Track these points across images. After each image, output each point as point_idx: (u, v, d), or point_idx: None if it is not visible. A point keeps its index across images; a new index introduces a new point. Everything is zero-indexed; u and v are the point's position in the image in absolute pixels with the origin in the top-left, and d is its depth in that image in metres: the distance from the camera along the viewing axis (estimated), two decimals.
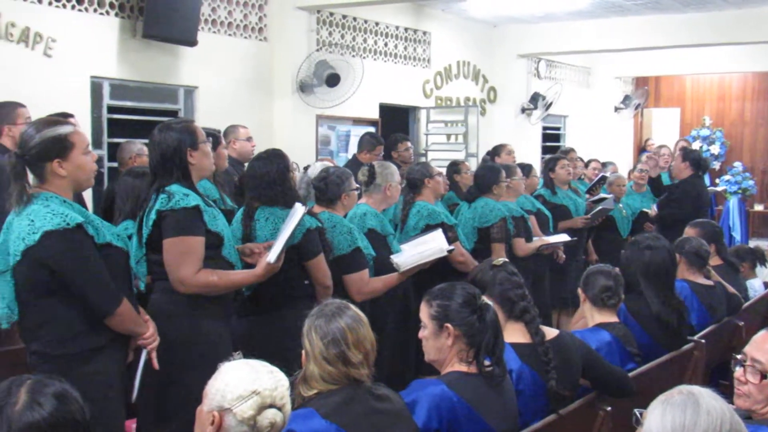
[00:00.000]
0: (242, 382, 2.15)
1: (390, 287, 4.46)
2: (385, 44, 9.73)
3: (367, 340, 2.58)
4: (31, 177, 3.07)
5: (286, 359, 3.60)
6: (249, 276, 3.53)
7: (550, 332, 3.30)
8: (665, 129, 14.90)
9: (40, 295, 3.02)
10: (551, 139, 12.94)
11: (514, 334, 3.22)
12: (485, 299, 2.94)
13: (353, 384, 2.53)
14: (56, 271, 2.97)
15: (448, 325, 2.85)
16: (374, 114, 9.58)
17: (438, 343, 2.88)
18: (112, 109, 6.94)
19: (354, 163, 7.10)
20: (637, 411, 2.05)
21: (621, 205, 7.62)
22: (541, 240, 6.06)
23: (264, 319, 3.86)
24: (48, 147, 3.02)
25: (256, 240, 3.90)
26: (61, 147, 3.04)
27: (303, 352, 2.60)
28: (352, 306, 2.65)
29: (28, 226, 2.94)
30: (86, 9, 6.60)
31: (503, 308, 3.26)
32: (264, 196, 3.98)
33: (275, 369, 2.23)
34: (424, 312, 2.92)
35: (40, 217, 2.94)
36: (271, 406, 2.14)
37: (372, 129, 9.42)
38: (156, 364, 3.26)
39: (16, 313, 3.05)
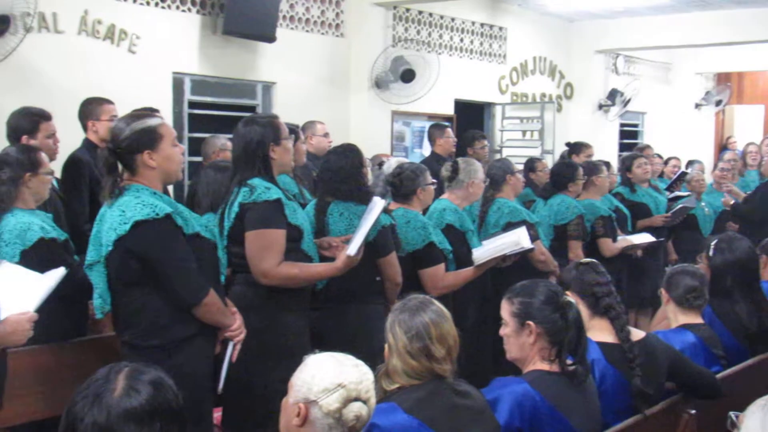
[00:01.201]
0: (328, 375, 2.16)
1: (466, 281, 4.43)
2: (461, 40, 9.68)
3: (451, 336, 2.56)
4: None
5: (354, 352, 3.64)
6: (329, 269, 3.55)
7: (637, 334, 3.23)
8: (748, 127, 14.44)
9: (131, 285, 3.08)
10: (629, 136, 12.69)
11: (601, 332, 3.16)
12: (568, 297, 2.90)
13: (436, 379, 2.52)
14: (146, 261, 3.03)
15: (530, 322, 2.81)
16: (449, 110, 9.54)
17: (519, 340, 2.85)
18: (192, 105, 7.07)
19: (433, 158, 7.10)
20: (732, 414, 1.99)
21: (703, 203, 7.42)
22: (625, 240, 5.94)
23: (333, 314, 3.89)
24: (138, 139, 3.08)
25: (329, 235, 3.93)
26: (150, 138, 3.09)
27: (386, 346, 2.60)
28: (436, 301, 2.64)
29: (120, 217, 3.00)
30: (169, 6, 6.73)
31: (587, 304, 3.21)
32: (338, 191, 4.00)
33: (360, 362, 2.23)
34: (506, 309, 2.89)
35: (131, 207, 3.00)
36: (357, 399, 2.14)
37: (449, 125, 9.39)
38: (235, 357, 3.31)
39: (109, 304, 3.13)
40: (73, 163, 4.76)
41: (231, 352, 3.29)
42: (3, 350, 2.78)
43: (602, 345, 3.11)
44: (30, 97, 5.14)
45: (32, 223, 3.46)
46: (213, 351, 3.28)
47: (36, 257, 3.33)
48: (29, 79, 5.70)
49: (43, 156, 3.70)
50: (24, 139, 4.34)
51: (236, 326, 3.27)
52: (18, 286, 2.91)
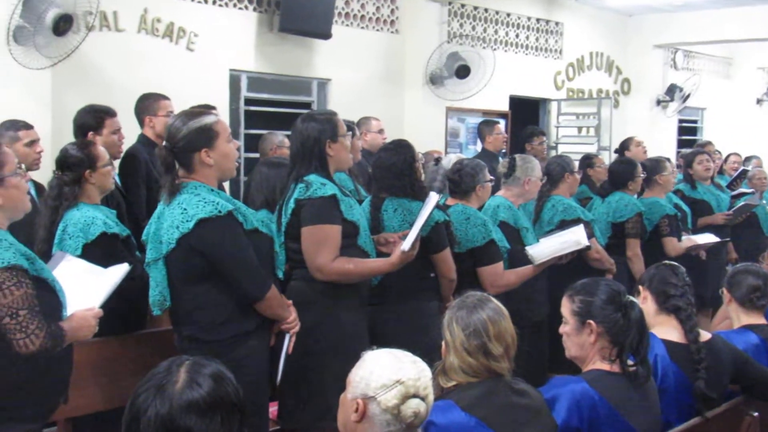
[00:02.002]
0: (386, 371, 2.15)
1: (524, 280, 4.39)
2: (517, 35, 9.61)
3: (508, 334, 2.54)
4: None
5: (406, 349, 3.63)
6: (384, 264, 3.54)
7: (704, 335, 3.18)
8: None
9: (192, 282, 3.11)
10: (688, 132, 12.46)
11: (667, 330, 3.12)
12: (630, 297, 2.85)
13: (493, 377, 2.50)
14: (209, 258, 3.05)
15: (591, 321, 2.78)
16: (504, 106, 9.49)
17: (579, 339, 2.82)
18: (248, 101, 7.15)
19: (483, 155, 7.07)
20: None
21: (765, 201, 7.24)
22: (690, 240, 5.83)
23: (387, 310, 3.87)
24: (195, 137, 3.10)
25: (383, 231, 3.92)
26: (207, 137, 3.11)
27: (443, 343, 2.59)
28: (494, 299, 2.63)
29: (182, 215, 3.02)
30: (226, 4, 6.81)
31: (656, 301, 3.19)
32: (391, 187, 3.99)
33: (418, 359, 2.22)
34: (566, 307, 2.86)
35: (193, 205, 3.02)
36: (415, 396, 2.13)
37: (501, 122, 9.34)
38: (291, 349, 3.34)
39: (168, 300, 3.15)
40: (129, 160, 4.83)
41: (287, 344, 3.32)
42: (69, 345, 2.82)
43: (667, 343, 3.07)
44: (91, 95, 5.23)
45: (96, 217, 3.53)
46: (268, 344, 3.32)
47: (97, 252, 3.40)
48: (91, 77, 5.81)
49: (100, 149, 3.76)
50: (90, 135, 4.42)
51: (292, 318, 3.30)
52: (83, 281, 2.97)
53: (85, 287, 2.91)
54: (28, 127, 4.49)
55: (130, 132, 5.01)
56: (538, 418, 2.54)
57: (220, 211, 3.02)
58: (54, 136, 5.14)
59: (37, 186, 4.56)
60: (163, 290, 3.13)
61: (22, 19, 5.22)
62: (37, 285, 2.62)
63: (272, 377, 3.33)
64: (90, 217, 3.51)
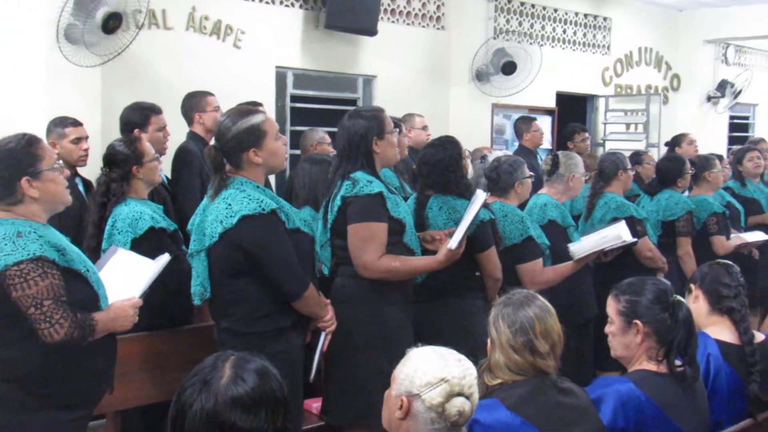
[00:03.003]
0: (431, 369, 2.15)
1: (564, 277, 4.34)
2: (564, 31, 9.51)
3: (555, 332, 2.52)
4: None
5: (451, 346, 3.61)
6: (430, 262, 3.53)
7: (757, 336, 3.12)
8: None
9: (232, 276, 3.15)
10: (739, 129, 12.22)
11: (720, 330, 3.08)
12: (680, 296, 2.81)
13: (539, 375, 2.48)
14: (250, 254, 3.08)
15: (637, 321, 2.74)
16: (551, 103, 9.40)
17: (626, 339, 2.78)
18: (294, 98, 7.18)
19: (521, 152, 7.02)
20: None
21: None
22: (738, 238, 5.71)
23: (432, 307, 3.86)
24: (243, 138, 3.14)
25: (428, 229, 3.91)
26: (255, 137, 3.15)
27: (488, 340, 2.57)
28: (540, 296, 2.60)
29: (226, 210, 3.06)
30: (273, 2, 6.85)
31: (709, 301, 3.15)
32: (436, 184, 3.97)
33: (463, 357, 2.22)
34: (612, 307, 2.82)
35: (237, 201, 3.06)
36: (460, 394, 2.12)
37: (548, 118, 9.27)
38: (326, 347, 3.35)
39: (208, 291, 3.20)
40: (182, 154, 4.89)
41: (323, 342, 3.33)
42: (112, 335, 2.87)
43: (720, 343, 3.03)
44: (140, 92, 5.32)
45: (144, 212, 3.58)
46: (304, 341, 3.34)
47: (145, 246, 3.44)
48: (140, 74, 5.89)
49: (146, 145, 3.81)
50: (135, 132, 4.48)
51: (328, 317, 3.32)
52: (126, 272, 3.01)
53: (126, 278, 2.96)
54: (76, 124, 4.57)
55: (177, 129, 5.08)
56: (584, 418, 2.51)
57: (263, 209, 3.05)
58: (103, 134, 5.22)
59: (86, 183, 4.65)
60: (204, 281, 3.18)
61: (72, 17, 5.31)
62: (68, 276, 2.66)
63: (306, 374, 3.35)
64: (138, 212, 3.57)
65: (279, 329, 3.17)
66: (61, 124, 4.54)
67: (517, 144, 8.86)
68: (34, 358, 2.63)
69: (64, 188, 2.79)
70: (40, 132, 4.50)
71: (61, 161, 2.85)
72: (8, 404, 2.61)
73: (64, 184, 2.79)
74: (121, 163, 3.68)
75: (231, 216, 3.05)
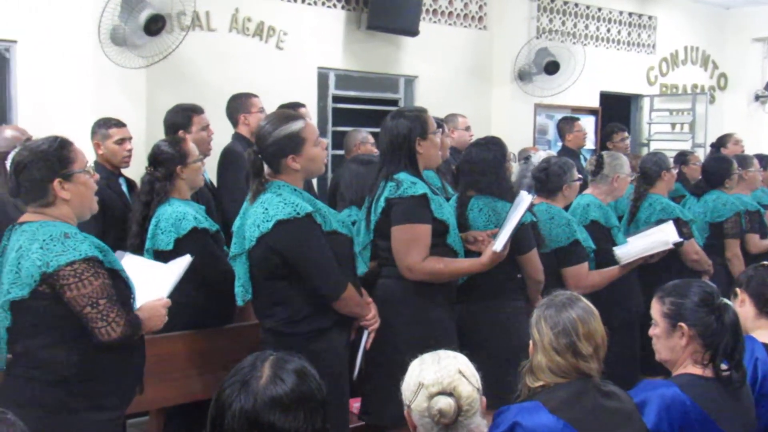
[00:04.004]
0: (411, 377, 2.23)
1: (610, 281, 4.30)
2: (608, 30, 9.41)
3: (598, 334, 2.48)
4: None
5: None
6: (474, 264, 3.52)
7: None
8: None
9: (272, 278, 3.18)
10: None
11: None
12: (727, 299, 2.75)
13: (582, 378, 2.44)
14: (286, 258, 3.11)
15: (682, 324, 2.69)
16: (594, 102, 9.31)
17: (670, 342, 2.73)
18: (336, 99, 7.20)
19: (564, 153, 6.95)
20: None
21: None
22: None
23: (474, 309, 3.83)
24: (283, 144, 3.16)
25: (469, 230, 3.89)
26: (294, 144, 3.17)
27: (530, 342, 2.55)
28: (583, 298, 2.57)
29: (263, 214, 3.09)
30: (315, 3, 6.87)
31: (756, 304, 3.10)
32: (478, 184, 3.94)
33: (445, 355, 2.27)
34: (656, 309, 2.78)
35: (273, 205, 3.09)
36: (441, 393, 2.16)
37: (591, 118, 9.17)
38: (369, 345, 3.36)
39: (249, 293, 3.24)
40: (228, 156, 4.94)
41: (366, 341, 3.34)
42: (141, 336, 2.90)
43: None
44: (184, 94, 5.37)
45: (187, 213, 3.62)
46: (348, 339, 3.35)
47: (188, 246, 3.47)
48: (184, 76, 5.95)
49: (190, 146, 3.86)
50: (180, 133, 4.53)
51: (371, 316, 3.33)
52: (148, 275, 3.04)
53: (151, 280, 2.99)
54: (120, 125, 4.63)
55: (221, 130, 5.13)
56: (628, 422, 2.46)
57: (298, 213, 3.07)
58: (148, 135, 5.28)
59: (129, 183, 4.71)
60: (245, 283, 3.22)
61: (119, 19, 5.38)
62: (111, 276, 2.69)
63: (350, 372, 3.35)
64: (181, 213, 3.60)
65: (321, 330, 3.19)
66: (105, 125, 4.61)
67: (560, 145, 8.81)
68: (78, 360, 2.66)
69: (93, 194, 2.82)
70: (86, 133, 4.59)
71: (91, 165, 2.87)
72: (52, 405, 2.64)
73: (94, 188, 2.82)
74: (166, 162, 3.72)
75: (267, 221, 3.08)
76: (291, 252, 3.10)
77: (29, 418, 2.21)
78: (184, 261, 3.11)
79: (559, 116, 8.84)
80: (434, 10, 7.76)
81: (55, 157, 2.69)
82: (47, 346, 2.66)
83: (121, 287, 2.74)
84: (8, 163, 2.73)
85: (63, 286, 2.58)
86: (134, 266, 3.05)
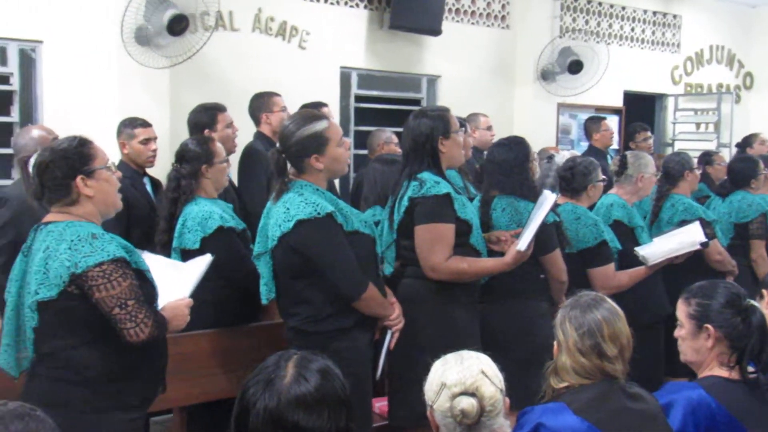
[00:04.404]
0: (433, 377, 2.22)
1: (637, 281, 4.26)
2: (632, 29, 9.34)
3: (624, 335, 2.46)
4: None
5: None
6: (498, 264, 3.50)
7: None
8: None
9: (294, 277, 3.19)
10: None
11: None
12: (753, 301, 2.72)
13: (607, 379, 2.43)
14: (306, 257, 3.12)
15: (708, 326, 2.67)
16: (618, 102, 9.25)
17: (696, 344, 2.71)
18: (359, 98, 7.20)
19: (591, 153, 6.92)
20: None
21: None
22: None
23: (496, 308, 3.81)
24: (306, 144, 3.18)
25: (493, 230, 3.87)
26: (318, 143, 3.18)
27: (555, 343, 2.53)
28: (608, 299, 2.55)
29: (284, 214, 3.11)
30: (337, 2, 6.88)
31: None
32: (501, 183, 3.93)
33: (468, 355, 2.25)
34: (682, 310, 2.75)
35: (295, 205, 3.10)
36: (463, 393, 2.15)
37: (615, 118, 9.11)
38: (392, 345, 3.35)
39: (273, 292, 3.26)
40: (249, 154, 4.96)
41: (389, 341, 3.33)
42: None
43: None
44: (207, 93, 5.39)
45: (213, 211, 3.63)
46: (372, 339, 3.35)
47: (214, 244, 3.49)
48: (207, 76, 5.98)
49: (218, 146, 3.87)
50: (206, 132, 4.55)
51: (395, 316, 3.33)
52: (170, 274, 3.05)
53: (172, 280, 2.99)
54: (145, 125, 4.66)
55: (244, 129, 5.15)
56: (653, 425, 2.44)
57: (319, 213, 3.08)
58: (172, 134, 5.31)
59: (154, 182, 4.73)
60: (268, 282, 3.24)
61: (144, 19, 5.41)
62: (137, 276, 2.70)
63: (373, 372, 3.35)
64: (207, 212, 3.62)
65: (343, 329, 3.19)
66: (130, 124, 4.64)
67: (583, 144, 8.76)
68: (102, 360, 2.67)
69: (117, 191, 2.83)
70: (111, 132, 4.62)
71: (112, 162, 2.89)
72: (77, 405, 2.65)
73: (116, 185, 2.83)
74: (192, 160, 3.74)
75: (288, 220, 3.09)
76: (311, 251, 3.11)
77: (54, 418, 2.23)
78: (205, 260, 3.12)
79: (582, 116, 8.80)
80: (457, 10, 7.74)
81: (75, 154, 2.71)
82: (72, 346, 2.67)
83: (146, 287, 2.75)
84: (30, 166, 2.74)
85: (92, 287, 2.59)
86: (155, 265, 3.07)
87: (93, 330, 2.65)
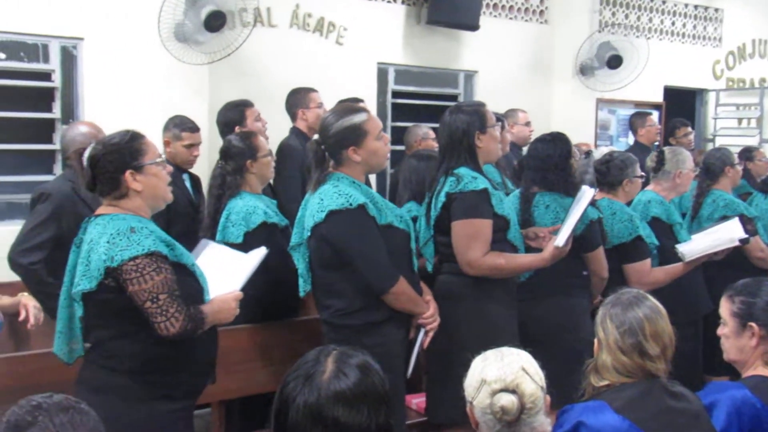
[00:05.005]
0: (474, 373, 2.21)
1: (674, 278, 4.22)
2: (672, 23, 9.22)
3: (666, 334, 2.43)
4: None
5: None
6: (536, 260, 3.48)
7: None
8: None
9: (327, 269, 3.21)
10: None
11: None
12: None
13: (648, 378, 2.40)
14: (336, 248, 3.14)
15: (753, 324, 2.62)
16: (658, 97, 9.13)
17: (739, 342, 2.67)
18: (396, 94, 7.18)
19: (636, 148, 6.84)
20: None
21: None
22: None
23: (536, 305, 3.80)
24: (344, 136, 3.19)
25: (533, 227, 3.84)
26: (356, 135, 3.20)
27: (596, 340, 2.51)
28: (650, 296, 2.52)
29: (318, 204, 3.14)
30: None
31: None
32: (543, 180, 3.91)
33: (508, 352, 2.24)
34: (725, 308, 2.71)
35: (329, 196, 3.12)
36: (504, 390, 2.14)
37: (655, 113, 9.00)
38: (426, 345, 3.34)
39: (309, 284, 3.29)
40: (284, 150, 4.97)
41: (422, 339, 3.32)
42: (214, 328, 2.92)
43: None
44: (245, 90, 5.42)
45: (257, 207, 3.67)
46: (406, 336, 3.33)
47: (257, 240, 3.51)
48: (245, 72, 6.00)
49: (261, 140, 3.91)
50: (236, 129, 4.58)
51: (429, 314, 3.31)
52: (224, 267, 3.07)
53: (225, 272, 3.01)
54: (194, 130, 4.69)
55: (281, 125, 5.17)
56: (696, 424, 2.40)
57: (351, 204, 3.09)
58: (210, 131, 5.34)
59: (193, 179, 4.77)
60: (304, 274, 3.27)
61: (184, 16, 5.45)
62: (177, 270, 2.72)
63: (404, 370, 3.34)
64: (251, 207, 3.65)
65: (373, 323, 3.19)
66: (180, 126, 4.66)
67: (622, 140, 8.68)
68: (146, 350, 2.70)
69: (166, 184, 2.86)
70: (151, 128, 4.66)
71: (163, 156, 2.92)
72: (121, 394, 2.70)
73: (166, 179, 2.85)
74: (236, 156, 3.78)
75: (321, 211, 3.12)
76: (341, 242, 3.13)
77: (101, 404, 2.29)
78: (259, 253, 3.14)
79: (621, 111, 8.71)
80: (494, 5, 7.69)
81: (126, 149, 2.75)
82: (114, 337, 2.72)
83: (188, 281, 2.77)
84: (84, 159, 2.79)
85: (126, 281, 2.62)
86: (215, 256, 3.10)
87: (132, 322, 2.68)
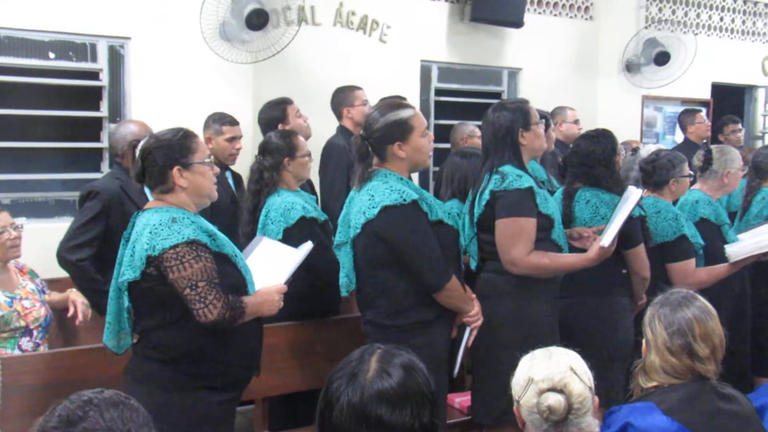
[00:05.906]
0: (521, 372, 2.19)
1: (719, 279, 4.13)
2: (721, 18, 9.05)
3: (716, 335, 2.38)
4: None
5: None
6: (581, 260, 3.44)
7: None
8: None
9: (375, 267, 3.19)
10: None
11: None
12: None
13: (698, 380, 2.36)
14: (391, 245, 3.11)
15: None
16: (705, 94, 8.97)
17: None
18: (439, 92, 7.15)
19: (685, 146, 6.73)
20: None
21: None
22: None
23: (577, 303, 3.76)
24: (390, 131, 3.17)
25: (574, 222, 3.81)
26: (401, 131, 3.18)
27: (644, 341, 2.47)
28: (700, 297, 2.47)
29: (369, 201, 3.11)
30: None
31: None
32: (587, 176, 3.87)
33: (557, 351, 2.21)
34: None
35: (380, 192, 3.10)
36: (551, 389, 2.11)
37: (703, 110, 8.85)
38: (471, 343, 3.32)
39: (353, 283, 3.27)
40: (330, 150, 4.99)
41: (467, 338, 3.29)
42: (259, 320, 2.96)
43: None
44: (289, 88, 5.43)
45: (295, 202, 3.68)
46: (450, 335, 3.32)
47: (296, 235, 3.54)
48: (289, 70, 6.02)
49: (300, 140, 3.93)
50: (279, 126, 4.60)
51: (474, 312, 3.30)
52: (271, 260, 3.10)
53: (272, 266, 3.04)
54: (233, 123, 4.74)
55: (326, 123, 5.17)
56: (747, 427, 2.36)
57: (404, 200, 3.07)
58: (255, 128, 5.36)
59: (236, 177, 4.81)
60: (349, 273, 3.25)
61: (228, 14, 5.48)
62: (219, 260, 2.76)
63: (450, 369, 3.32)
64: (290, 203, 3.67)
65: (422, 322, 3.18)
66: (219, 120, 4.71)
67: (668, 138, 8.55)
68: (188, 340, 2.75)
69: (212, 183, 2.90)
70: (198, 126, 4.70)
71: (212, 157, 2.96)
72: (164, 383, 2.75)
73: (212, 179, 2.90)
74: (274, 152, 3.81)
75: (373, 207, 3.09)
76: (396, 238, 3.11)
77: (146, 393, 2.33)
78: (305, 248, 3.16)
79: (668, 108, 8.58)
80: (539, 1, 7.62)
81: (177, 146, 2.81)
82: (158, 327, 2.78)
83: (229, 271, 2.81)
84: (137, 151, 2.86)
85: (166, 269, 2.69)
86: (267, 251, 3.14)
87: (174, 311, 2.74)
